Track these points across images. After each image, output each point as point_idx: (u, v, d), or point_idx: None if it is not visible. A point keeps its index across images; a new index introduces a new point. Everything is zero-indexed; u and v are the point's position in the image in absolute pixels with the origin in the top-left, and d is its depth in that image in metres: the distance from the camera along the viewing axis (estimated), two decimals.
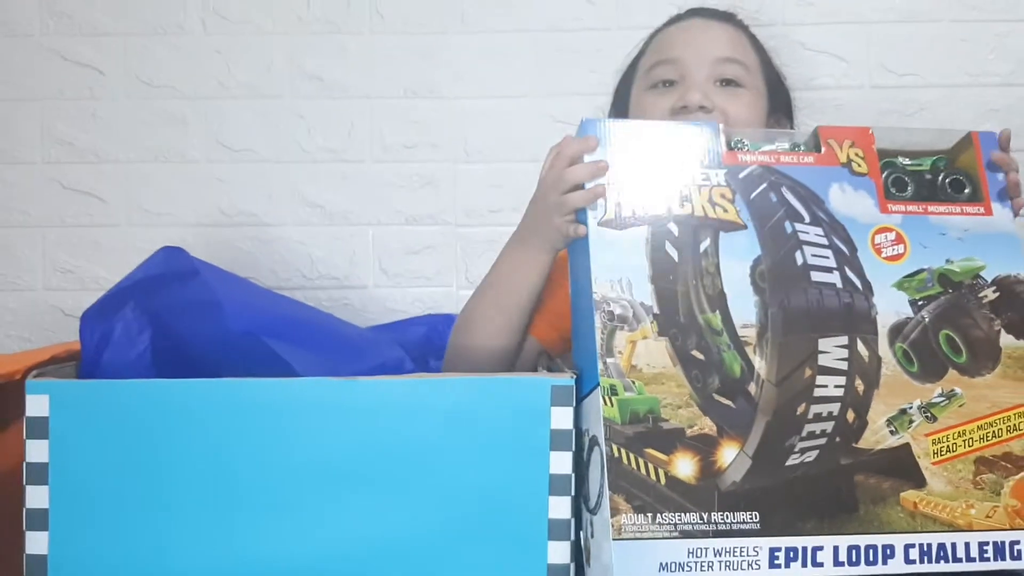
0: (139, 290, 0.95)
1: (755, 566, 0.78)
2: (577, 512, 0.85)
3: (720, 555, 0.78)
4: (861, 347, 0.86)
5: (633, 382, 0.82)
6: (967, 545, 0.81)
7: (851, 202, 0.91)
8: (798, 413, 0.83)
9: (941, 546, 0.81)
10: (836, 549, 0.79)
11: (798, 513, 0.80)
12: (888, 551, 0.80)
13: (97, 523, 0.85)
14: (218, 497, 0.85)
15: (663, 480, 0.79)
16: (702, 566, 0.77)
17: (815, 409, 0.83)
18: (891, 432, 0.83)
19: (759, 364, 0.84)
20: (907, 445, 0.83)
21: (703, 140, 0.91)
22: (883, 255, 0.89)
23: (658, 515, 0.78)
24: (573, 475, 0.85)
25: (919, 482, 0.83)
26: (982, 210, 0.92)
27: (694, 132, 0.91)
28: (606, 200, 0.88)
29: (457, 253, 1.44)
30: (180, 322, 0.96)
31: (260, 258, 1.44)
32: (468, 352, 1.05)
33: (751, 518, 0.79)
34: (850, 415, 0.83)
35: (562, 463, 0.85)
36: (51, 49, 1.45)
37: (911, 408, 0.84)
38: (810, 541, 0.79)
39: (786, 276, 0.87)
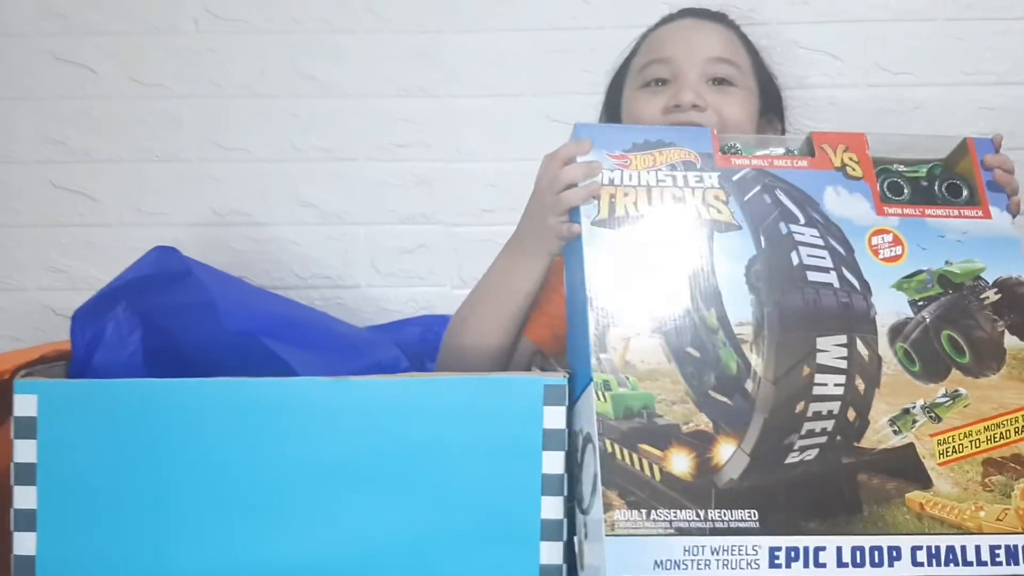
0: (131, 290, 0.95)
1: (754, 565, 0.76)
2: (570, 516, 0.85)
3: (717, 553, 0.76)
4: (861, 346, 0.85)
5: (627, 378, 0.81)
6: (977, 548, 0.79)
7: (846, 205, 0.91)
8: (797, 411, 0.82)
9: (950, 549, 0.79)
10: (839, 550, 0.78)
11: (799, 512, 0.79)
12: (894, 553, 0.78)
13: (86, 524, 0.85)
14: (209, 498, 0.85)
15: (658, 476, 0.78)
16: (698, 564, 0.76)
17: (814, 407, 0.82)
18: (894, 432, 0.83)
19: (756, 362, 0.83)
20: (911, 445, 0.82)
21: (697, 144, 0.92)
22: (880, 256, 0.89)
23: (653, 511, 0.77)
24: (566, 475, 0.84)
25: (925, 483, 0.81)
26: (980, 213, 0.92)
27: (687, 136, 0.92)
28: (599, 200, 0.88)
29: (451, 253, 1.43)
30: (173, 322, 0.95)
31: (253, 258, 1.44)
32: (461, 352, 1.05)
33: (750, 516, 0.78)
34: (851, 414, 0.83)
35: (555, 463, 0.84)
36: (45, 48, 1.44)
37: (914, 408, 0.84)
38: (812, 541, 0.78)
39: (782, 276, 0.87)
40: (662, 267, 0.86)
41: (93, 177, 1.44)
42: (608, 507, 0.77)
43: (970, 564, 0.79)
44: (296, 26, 1.43)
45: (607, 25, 1.40)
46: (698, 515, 0.78)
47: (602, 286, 0.84)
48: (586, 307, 0.84)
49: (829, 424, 0.82)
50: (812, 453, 0.81)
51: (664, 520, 0.77)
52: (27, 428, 0.84)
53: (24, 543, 0.84)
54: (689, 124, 1.09)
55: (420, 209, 1.44)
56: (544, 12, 1.42)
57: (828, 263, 0.88)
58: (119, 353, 0.94)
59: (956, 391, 0.85)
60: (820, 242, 0.89)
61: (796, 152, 0.94)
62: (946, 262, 0.89)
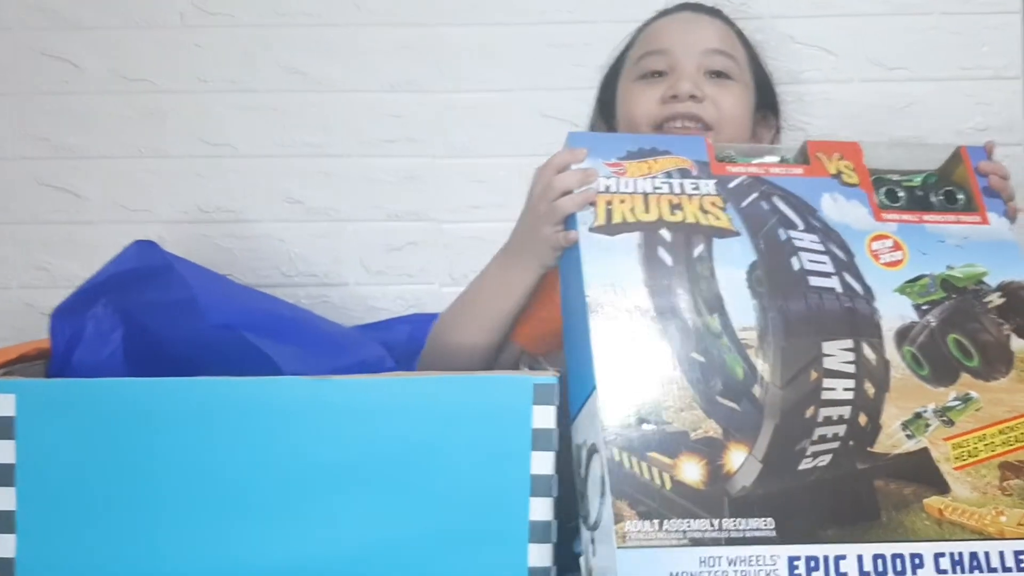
0: (111, 286, 0.95)
1: None
2: (571, 533, 0.83)
3: (735, 564, 0.73)
4: (867, 350, 0.84)
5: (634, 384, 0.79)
6: (1001, 554, 0.77)
7: (844, 211, 0.91)
8: (807, 416, 0.80)
9: (973, 555, 0.76)
10: (860, 558, 0.75)
11: (816, 520, 0.76)
12: (916, 560, 0.76)
13: (66, 526, 0.83)
14: (191, 498, 0.83)
15: (669, 485, 0.76)
16: None
17: (824, 412, 0.81)
18: (907, 436, 0.81)
19: (762, 367, 0.82)
20: (925, 450, 0.81)
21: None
22: (881, 261, 0.89)
23: (665, 521, 0.74)
24: (556, 476, 0.83)
25: (942, 488, 0.79)
26: (978, 219, 0.93)
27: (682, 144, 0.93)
28: (596, 207, 0.88)
29: (441, 250, 1.42)
30: (154, 319, 0.95)
31: (239, 255, 1.42)
32: (445, 349, 1.04)
33: (766, 525, 0.75)
34: (862, 418, 0.81)
35: (544, 463, 0.83)
36: (27, 43, 1.42)
37: (926, 412, 0.82)
38: (832, 549, 0.75)
39: (784, 281, 0.86)
40: (662, 273, 0.85)
41: (77, 174, 1.43)
42: (618, 518, 0.74)
43: (995, 571, 0.76)
44: (283, 20, 1.42)
45: (600, 19, 1.38)
46: (712, 524, 0.75)
47: (601, 292, 0.83)
48: (586, 315, 0.82)
49: (841, 429, 0.80)
50: (826, 459, 0.79)
51: (677, 531, 0.74)
52: (5, 428, 0.83)
53: (3, 545, 0.83)
54: (687, 114, 1.10)
55: (409, 206, 1.42)
56: (536, 6, 1.41)
57: (829, 268, 0.87)
58: (99, 351, 0.94)
59: (967, 394, 0.83)
60: (820, 247, 0.88)
61: (791, 160, 0.95)
62: (948, 267, 0.89)
